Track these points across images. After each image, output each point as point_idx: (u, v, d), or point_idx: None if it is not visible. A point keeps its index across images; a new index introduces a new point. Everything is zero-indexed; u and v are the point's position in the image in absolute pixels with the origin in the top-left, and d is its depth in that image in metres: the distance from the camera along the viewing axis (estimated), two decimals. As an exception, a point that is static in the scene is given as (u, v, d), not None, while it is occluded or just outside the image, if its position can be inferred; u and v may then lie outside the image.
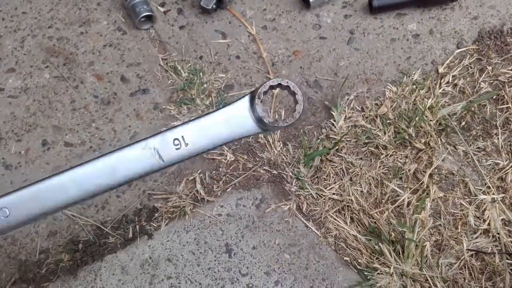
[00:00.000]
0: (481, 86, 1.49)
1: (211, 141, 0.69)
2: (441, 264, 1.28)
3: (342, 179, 1.39)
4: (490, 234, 1.31)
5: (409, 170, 1.38)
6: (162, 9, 1.65)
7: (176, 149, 0.68)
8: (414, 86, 1.49)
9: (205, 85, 1.53)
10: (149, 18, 1.60)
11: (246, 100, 0.70)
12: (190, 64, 1.56)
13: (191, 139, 0.68)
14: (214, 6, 1.59)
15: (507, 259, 1.27)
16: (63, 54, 1.59)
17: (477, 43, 1.56)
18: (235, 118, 0.69)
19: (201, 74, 1.54)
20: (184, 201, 1.37)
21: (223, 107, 0.70)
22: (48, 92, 1.53)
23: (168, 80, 1.54)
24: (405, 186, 1.38)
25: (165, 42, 1.60)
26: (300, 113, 0.67)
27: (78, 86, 1.54)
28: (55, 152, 1.45)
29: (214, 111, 0.70)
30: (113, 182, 0.67)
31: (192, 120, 0.69)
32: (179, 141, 0.68)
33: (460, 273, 1.27)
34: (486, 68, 1.51)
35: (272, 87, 0.69)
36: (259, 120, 0.68)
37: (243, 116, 0.69)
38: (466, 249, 1.28)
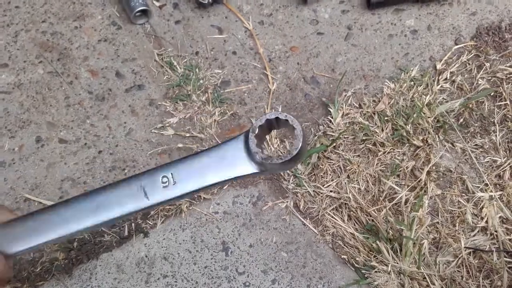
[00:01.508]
0: (479, 82, 1.48)
1: (202, 182, 0.64)
2: (438, 262, 1.27)
3: (339, 177, 1.38)
4: (488, 232, 1.30)
5: (406, 168, 1.37)
6: (157, 4, 1.63)
7: (164, 187, 0.64)
8: (412, 83, 1.48)
9: (201, 81, 1.51)
10: (144, 13, 1.58)
11: (241, 138, 0.64)
12: (186, 60, 1.54)
13: (181, 178, 0.64)
14: (210, 0, 1.57)
15: (505, 257, 1.26)
16: (57, 49, 1.56)
17: (475, 39, 1.55)
18: (229, 158, 0.64)
19: (197, 70, 1.52)
20: (180, 199, 1.36)
21: (217, 145, 0.65)
22: (42, 87, 1.51)
23: (164, 76, 1.52)
24: (403, 183, 1.37)
25: (161, 37, 1.58)
26: (298, 150, 0.61)
27: (73, 82, 1.52)
28: (49, 149, 1.43)
29: (207, 150, 0.65)
30: (97, 221, 0.64)
31: (183, 158, 0.65)
32: (168, 179, 0.64)
33: (457, 271, 1.27)
34: (484, 65, 1.50)
35: (268, 121, 0.63)
36: (254, 159, 0.63)
37: (237, 155, 0.64)
38: (464, 247, 1.28)
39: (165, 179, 0.64)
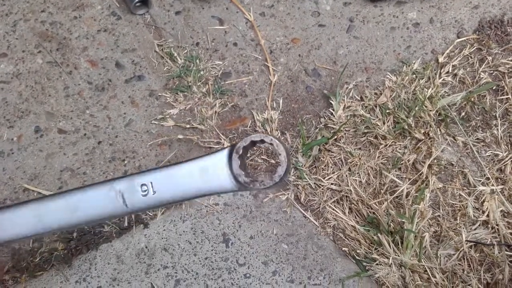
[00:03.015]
0: (481, 76, 1.47)
1: (182, 192, 0.63)
2: (440, 255, 1.27)
3: (340, 169, 1.38)
4: (489, 226, 1.30)
5: (408, 161, 1.37)
6: (158, -6, 1.62)
7: (143, 195, 0.63)
8: (414, 76, 1.47)
9: (201, 72, 1.50)
10: (145, 3, 1.56)
11: (224, 154, 0.63)
12: (186, 51, 1.53)
13: (160, 187, 0.63)
14: (211, -9, 1.55)
15: (506, 250, 1.26)
16: (56, 39, 1.55)
17: (477, 32, 1.55)
18: (210, 172, 0.63)
19: (197, 61, 1.51)
20: (180, 190, 1.35)
21: (199, 157, 0.64)
22: (41, 77, 1.49)
23: (164, 67, 1.51)
24: (404, 176, 1.36)
25: (161, 28, 1.57)
26: (282, 177, 0.60)
27: (72, 72, 1.50)
28: (48, 139, 1.42)
29: (188, 160, 0.64)
30: (72, 221, 0.63)
31: (165, 167, 0.64)
32: (147, 188, 0.63)
33: (459, 264, 1.27)
34: (486, 58, 1.50)
35: (253, 143, 0.62)
36: (235, 178, 0.62)
37: (219, 171, 0.63)
38: (465, 240, 1.28)
39: (144, 188, 0.63)
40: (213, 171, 0.63)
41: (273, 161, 1.39)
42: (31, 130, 1.43)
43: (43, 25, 1.57)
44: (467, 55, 1.51)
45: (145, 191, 0.63)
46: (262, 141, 0.61)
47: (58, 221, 0.63)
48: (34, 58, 1.52)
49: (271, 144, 0.61)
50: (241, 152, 0.62)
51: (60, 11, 1.59)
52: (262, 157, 1.39)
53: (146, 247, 1.30)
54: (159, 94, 1.48)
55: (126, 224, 1.32)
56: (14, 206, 0.63)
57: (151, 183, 0.63)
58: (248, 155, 0.67)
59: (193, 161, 0.64)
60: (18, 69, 1.50)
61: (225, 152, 0.63)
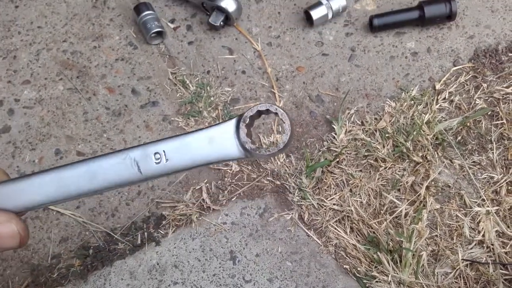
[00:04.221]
0: (477, 102, 1.55)
1: (193, 160, 0.66)
2: (437, 273, 1.33)
3: (342, 190, 1.45)
4: (484, 245, 1.36)
5: (406, 182, 1.44)
6: (172, 26, 1.73)
7: (156, 163, 0.65)
8: (412, 102, 1.55)
9: (212, 98, 1.59)
10: (160, 34, 1.67)
11: (232, 123, 0.66)
12: (198, 78, 1.63)
13: (172, 155, 0.66)
14: (221, 23, 1.66)
15: (501, 269, 1.32)
16: (77, 67, 1.66)
17: (473, 61, 1.63)
18: (219, 140, 0.66)
19: (208, 88, 1.61)
20: (190, 210, 1.43)
21: (209, 127, 0.67)
22: (62, 103, 1.60)
23: (177, 93, 1.61)
24: (403, 197, 1.43)
25: (175, 57, 1.68)
26: (286, 143, 0.63)
27: (91, 98, 1.61)
28: (67, 161, 1.51)
29: (198, 130, 0.67)
30: (91, 187, 0.66)
31: (176, 136, 0.67)
32: (160, 156, 0.65)
33: (455, 282, 1.32)
34: (482, 85, 1.58)
35: (260, 112, 0.65)
36: (242, 146, 0.65)
37: (227, 139, 0.65)
38: (462, 259, 1.34)
39: (157, 156, 0.66)
40: (221, 139, 0.66)
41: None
42: (51, 153, 1.53)
43: (65, 54, 1.68)
44: (463, 82, 1.59)
45: (158, 159, 0.66)
46: (268, 111, 0.64)
47: (76, 188, 0.66)
48: (56, 85, 1.63)
49: (276, 113, 0.64)
50: (248, 121, 0.65)
51: (81, 41, 1.70)
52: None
53: (158, 264, 1.38)
54: (172, 119, 1.57)
55: (139, 241, 1.40)
56: (36, 174, 0.66)
57: (164, 151, 0.66)
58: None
59: (203, 130, 0.67)
60: (41, 95, 1.61)
61: (233, 122, 0.66)
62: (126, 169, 0.66)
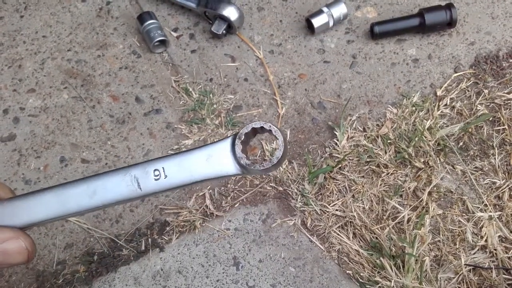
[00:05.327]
0: (478, 108, 1.56)
1: (191, 176, 0.69)
2: (440, 278, 1.33)
3: (345, 196, 1.46)
4: (487, 250, 1.36)
5: (409, 188, 1.45)
6: (175, 34, 1.75)
7: (155, 179, 0.68)
8: (414, 108, 1.56)
9: (214, 106, 1.61)
10: (163, 43, 1.70)
11: (228, 141, 0.69)
12: (200, 86, 1.65)
13: (171, 172, 0.68)
14: (224, 31, 1.68)
15: (504, 274, 1.32)
16: (81, 76, 1.68)
17: (473, 67, 1.64)
18: (216, 157, 0.69)
19: (211, 95, 1.63)
20: (194, 216, 1.44)
21: (206, 145, 0.70)
22: (67, 111, 1.62)
23: (180, 101, 1.62)
24: (405, 203, 1.44)
25: (178, 65, 1.69)
26: (279, 159, 0.66)
27: (95, 106, 1.62)
28: (72, 168, 1.53)
29: (196, 148, 0.70)
30: (91, 204, 0.69)
31: (175, 154, 0.70)
32: (159, 172, 0.68)
33: (458, 287, 1.33)
34: (483, 91, 1.59)
35: (254, 130, 0.68)
36: (238, 162, 0.68)
37: (224, 156, 0.68)
38: (464, 264, 1.34)
39: (156, 172, 0.68)
40: (218, 156, 0.69)
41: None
42: (56, 160, 1.54)
43: (69, 63, 1.70)
44: (464, 88, 1.60)
45: (157, 175, 0.68)
46: (262, 128, 0.67)
47: (77, 205, 0.68)
48: (60, 93, 1.65)
49: (270, 130, 0.67)
50: (243, 138, 0.67)
51: (85, 50, 1.73)
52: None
53: (162, 270, 1.38)
54: (175, 126, 1.59)
55: (143, 247, 1.41)
56: (40, 191, 0.69)
57: (163, 168, 0.69)
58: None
59: (201, 148, 0.70)
60: (46, 104, 1.63)
61: (229, 140, 0.69)
62: (126, 185, 0.69)
